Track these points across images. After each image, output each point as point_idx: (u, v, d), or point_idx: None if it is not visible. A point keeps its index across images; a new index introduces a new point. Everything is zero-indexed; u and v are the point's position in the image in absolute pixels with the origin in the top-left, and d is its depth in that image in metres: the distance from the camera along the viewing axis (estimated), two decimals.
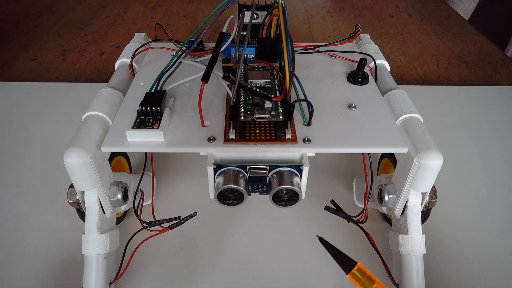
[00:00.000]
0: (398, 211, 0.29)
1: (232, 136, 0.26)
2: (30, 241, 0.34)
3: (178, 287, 0.31)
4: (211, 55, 0.26)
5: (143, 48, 0.36)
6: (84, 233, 0.27)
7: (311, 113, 0.27)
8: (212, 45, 0.37)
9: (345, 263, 0.17)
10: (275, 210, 0.36)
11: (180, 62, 0.32)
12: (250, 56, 0.31)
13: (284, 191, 0.27)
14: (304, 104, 0.28)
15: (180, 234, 0.34)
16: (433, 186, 0.27)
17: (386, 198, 0.28)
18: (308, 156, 0.26)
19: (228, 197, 0.27)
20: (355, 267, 0.17)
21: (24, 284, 0.31)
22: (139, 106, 0.27)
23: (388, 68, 0.36)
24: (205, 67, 0.25)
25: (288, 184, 0.25)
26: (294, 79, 0.29)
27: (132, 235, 0.30)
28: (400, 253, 0.28)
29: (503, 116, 0.51)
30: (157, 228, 0.29)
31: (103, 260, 0.27)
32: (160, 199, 0.38)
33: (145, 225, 0.29)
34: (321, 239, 0.19)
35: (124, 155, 0.37)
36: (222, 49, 0.29)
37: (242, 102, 0.26)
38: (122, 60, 0.35)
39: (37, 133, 0.46)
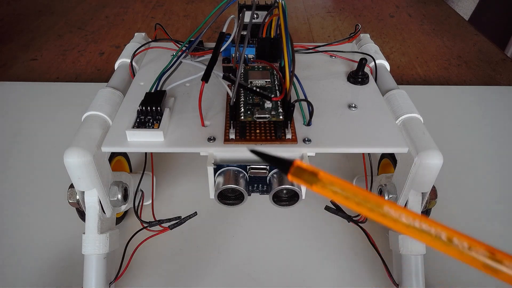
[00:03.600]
0: None
1: (232, 136, 0.26)
2: (30, 241, 0.34)
3: (178, 287, 0.31)
4: (211, 55, 0.26)
5: (143, 48, 0.36)
6: (84, 233, 0.27)
7: (311, 113, 0.27)
8: (212, 45, 0.37)
9: (282, 165, 0.16)
10: (275, 210, 0.36)
11: (180, 62, 0.32)
12: (250, 56, 0.31)
13: (284, 191, 0.27)
14: (304, 104, 0.28)
15: (180, 234, 0.34)
16: (433, 186, 0.27)
17: (386, 198, 0.28)
18: (308, 156, 0.26)
19: (228, 197, 0.27)
20: (293, 166, 0.16)
21: (24, 284, 0.31)
22: (139, 106, 0.27)
23: (388, 68, 0.36)
24: (205, 67, 0.25)
25: (288, 184, 0.25)
26: (294, 79, 0.29)
27: (132, 235, 0.30)
28: (400, 253, 0.28)
29: (503, 116, 0.51)
30: (157, 228, 0.29)
31: (103, 260, 0.27)
32: (160, 199, 0.38)
33: (145, 225, 0.29)
34: (253, 151, 0.17)
35: (124, 155, 0.37)
36: (222, 49, 0.29)
37: (242, 102, 0.26)
38: (122, 60, 0.35)
39: (37, 133, 0.46)
